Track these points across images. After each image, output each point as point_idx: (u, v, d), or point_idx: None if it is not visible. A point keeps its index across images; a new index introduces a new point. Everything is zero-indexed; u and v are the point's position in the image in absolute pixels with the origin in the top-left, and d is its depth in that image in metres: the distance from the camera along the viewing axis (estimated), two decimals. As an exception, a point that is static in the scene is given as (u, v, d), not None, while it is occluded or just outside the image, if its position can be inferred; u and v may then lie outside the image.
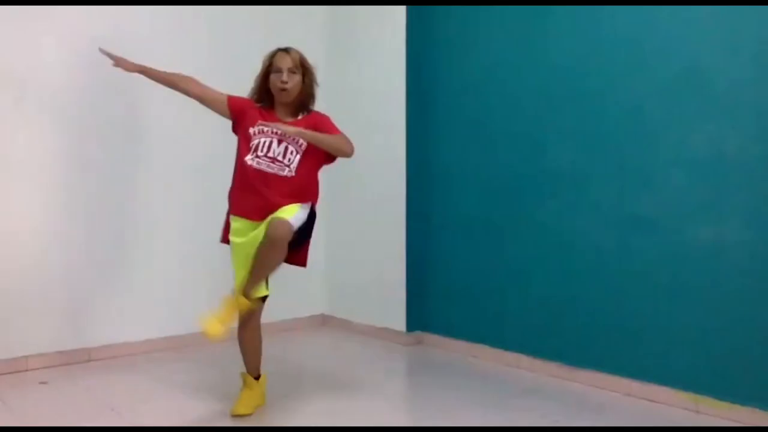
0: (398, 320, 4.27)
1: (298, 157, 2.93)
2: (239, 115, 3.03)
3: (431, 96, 4.24)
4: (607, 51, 3.37)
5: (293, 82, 2.97)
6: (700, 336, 3.07)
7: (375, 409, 3.14)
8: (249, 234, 2.93)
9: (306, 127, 2.89)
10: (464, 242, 4.07)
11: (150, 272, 4.03)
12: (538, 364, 3.66)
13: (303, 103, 3.04)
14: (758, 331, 2.90)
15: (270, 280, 3.09)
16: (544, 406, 3.16)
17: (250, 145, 2.94)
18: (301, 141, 2.91)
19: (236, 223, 2.99)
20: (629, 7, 3.28)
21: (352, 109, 4.59)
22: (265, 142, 2.93)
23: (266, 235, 2.76)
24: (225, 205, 3.10)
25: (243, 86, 4.45)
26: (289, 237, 2.77)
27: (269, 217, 2.82)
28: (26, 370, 3.60)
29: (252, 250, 2.86)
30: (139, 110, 3.98)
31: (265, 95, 3.05)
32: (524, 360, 3.72)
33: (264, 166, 2.90)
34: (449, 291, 4.16)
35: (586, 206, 3.46)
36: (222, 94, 3.10)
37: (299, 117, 3.03)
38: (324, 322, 4.78)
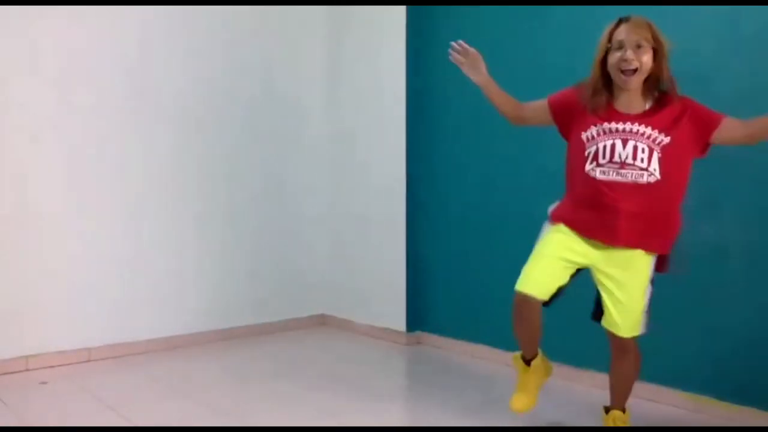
0: (398, 320, 4.27)
1: (657, 155, 2.38)
2: (564, 117, 2.56)
3: (431, 95, 4.24)
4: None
5: (642, 60, 2.36)
6: (700, 336, 3.07)
7: (375, 409, 3.14)
8: (578, 247, 2.53)
9: (665, 115, 2.40)
10: (464, 242, 4.06)
11: (150, 272, 4.03)
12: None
13: (654, 88, 2.44)
14: (758, 331, 2.90)
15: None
16: (545, 406, 3.16)
17: (586, 153, 2.45)
18: (653, 135, 2.38)
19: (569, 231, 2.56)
20: (629, 8, 3.27)
21: (352, 109, 4.60)
22: (606, 146, 2.41)
23: (614, 352, 2.61)
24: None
25: (243, 86, 4.49)
26: (634, 349, 2.57)
27: (611, 329, 2.53)
28: (26, 370, 3.60)
29: (572, 259, 2.52)
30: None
31: (603, 82, 2.46)
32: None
33: (614, 174, 2.41)
34: (449, 291, 4.16)
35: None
36: (543, 100, 2.64)
37: (647, 106, 2.44)
38: (324, 322, 4.78)
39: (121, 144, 3.90)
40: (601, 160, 2.42)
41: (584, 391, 3.38)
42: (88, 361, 3.79)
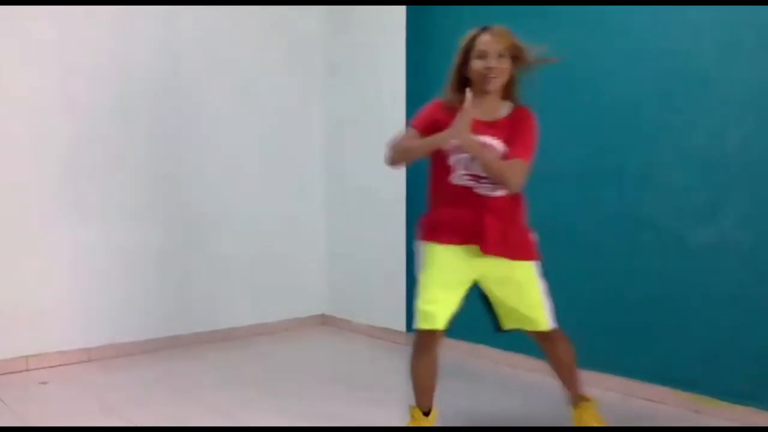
0: (398, 320, 4.27)
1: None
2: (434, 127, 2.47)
3: (431, 96, 4.22)
4: (608, 51, 3.37)
5: (503, 66, 2.43)
6: (700, 336, 3.07)
7: (375, 409, 3.14)
8: (461, 261, 2.51)
9: (510, 126, 2.45)
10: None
11: (150, 272, 4.03)
12: (538, 364, 3.65)
13: (510, 92, 2.51)
14: (758, 331, 2.90)
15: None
16: (545, 406, 3.16)
17: (450, 161, 2.45)
18: (502, 150, 2.43)
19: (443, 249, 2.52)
20: (630, 7, 3.28)
21: (352, 109, 4.60)
22: (466, 158, 2.42)
23: (547, 349, 2.64)
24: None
25: (241, 86, 4.48)
26: (562, 334, 2.60)
27: (534, 330, 2.57)
28: (26, 370, 3.60)
29: (461, 279, 2.53)
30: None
31: (460, 88, 2.48)
32: (524, 360, 3.71)
33: (473, 184, 2.44)
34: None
35: (586, 206, 3.46)
36: (411, 129, 2.55)
37: (504, 112, 2.50)
38: (324, 322, 4.78)
39: (120, 144, 3.90)
40: (461, 171, 2.44)
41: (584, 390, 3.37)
42: (88, 361, 3.79)
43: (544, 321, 2.57)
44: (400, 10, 4.23)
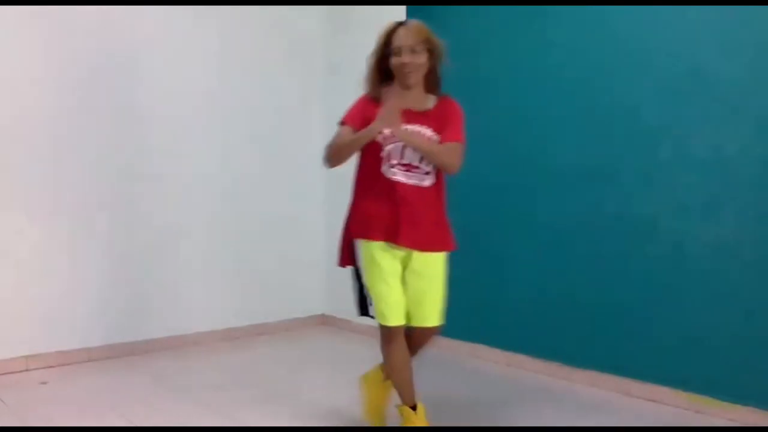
0: (398, 320, 4.26)
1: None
2: (365, 119, 2.50)
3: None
4: (608, 52, 3.37)
5: (418, 61, 2.47)
6: (700, 336, 3.07)
7: (375, 409, 3.14)
8: (392, 253, 2.53)
9: (438, 116, 2.51)
10: (464, 242, 4.05)
11: (150, 272, 4.03)
12: (538, 364, 3.66)
13: (431, 83, 2.55)
14: (758, 330, 2.90)
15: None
16: (545, 405, 3.16)
17: (382, 153, 2.48)
18: (433, 137, 2.48)
19: (375, 245, 2.53)
20: (630, 8, 3.28)
21: (352, 109, 4.60)
22: (397, 147, 2.46)
23: (418, 338, 2.61)
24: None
25: (240, 87, 4.49)
26: (439, 330, 2.61)
27: (421, 326, 2.56)
28: (26, 370, 3.60)
29: (399, 270, 2.54)
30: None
31: (381, 81, 2.56)
32: (524, 360, 3.72)
33: (401, 176, 2.48)
34: (449, 291, 4.14)
35: (587, 206, 3.46)
36: (343, 127, 2.55)
37: (430, 103, 2.55)
38: (324, 322, 4.78)
39: (120, 144, 3.91)
40: (393, 161, 2.47)
41: (584, 390, 3.38)
42: (88, 361, 3.80)
43: (438, 318, 2.60)
44: (400, 10, 4.23)
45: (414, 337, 2.64)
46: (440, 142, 2.48)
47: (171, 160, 4.10)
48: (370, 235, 2.51)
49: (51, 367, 3.66)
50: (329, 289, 4.75)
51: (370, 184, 2.53)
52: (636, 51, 3.26)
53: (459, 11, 4.05)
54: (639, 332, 3.26)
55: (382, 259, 2.51)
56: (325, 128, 4.71)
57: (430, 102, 2.56)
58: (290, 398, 3.24)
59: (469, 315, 4.04)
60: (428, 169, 2.49)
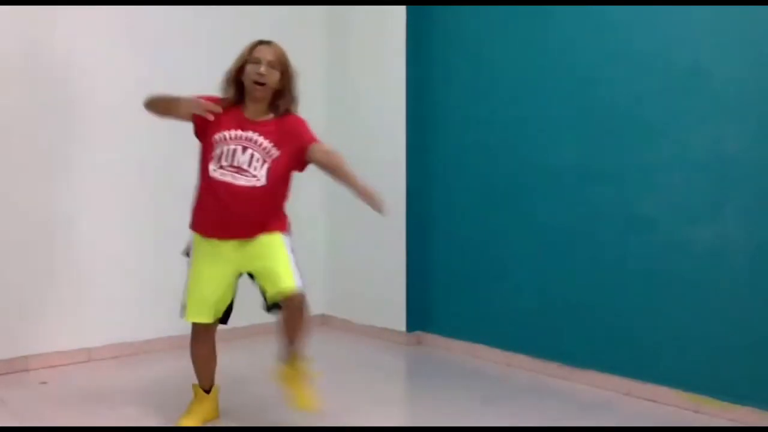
0: (398, 320, 4.27)
1: (266, 166, 2.70)
2: (203, 121, 2.71)
3: (431, 96, 4.24)
4: (608, 52, 3.37)
5: (272, 77, 2.72)
6: (700, 336, 3.07)
7: (374, 409, 3.14)
8: (218, 254, 2.75)
9: (279, 130, 2.73)
10: (464, 242, 4.07)
11: (150, 272, 4.02)
12: (538, 364, 3.66)
13: (277, 102, 2.77)
14: (758, 331, 2.90)
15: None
16: (544, 405, 3.16)
17: (213, 154, 2.70)
18: (267, 147, 2.70)
19: (203, 241, 2.79)
20: (630, 8, 3.28)
21: (352, 109, 4.60)
22: (229, 150, 2.69)
23: (286, 313, 2.72)
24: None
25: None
26: (304, 301, 2.70)
27: (277, 290, 2.66)
28: (26, 370, 3.60)
29: (223, 272, 2.76)
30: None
31: (235, 90, 2.76)
32: (524, 360, 3.72)
33: (229, 177, 2.68)
34: (449, 291, 4.16)
35: (586, 206, 3.46)
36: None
37: (270, 117, 2.76)
38: (324, 322, 4.77)
39: (119, 143, 3.90)
40: (223, 162, 2.68)
41: (584, 390, 3.37)
42: (88, 361, 3.79)
43: (292, 281, 2.66)
44: (400, 10, 4.23)
45: (285, 316, 2.74)
46: (303, 147, 2.73)
47: (169, 161, 4.09)
48: (197, 229, 2.79)
49: (51, 367, 3.65)
50: (329, 289, 4.75)
51: (205, 182, 2.73)
52: (636, 51, 3.26)
53: (459, 11, 4.05)
54: (639, 332, 3.26)
55: (203, 256, 2.76)
56: (324, 128, 4.71)
57: (269, 116, 2.77)
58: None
59: (469, 315, 4.05)
60: (256, 173, 2.68)
